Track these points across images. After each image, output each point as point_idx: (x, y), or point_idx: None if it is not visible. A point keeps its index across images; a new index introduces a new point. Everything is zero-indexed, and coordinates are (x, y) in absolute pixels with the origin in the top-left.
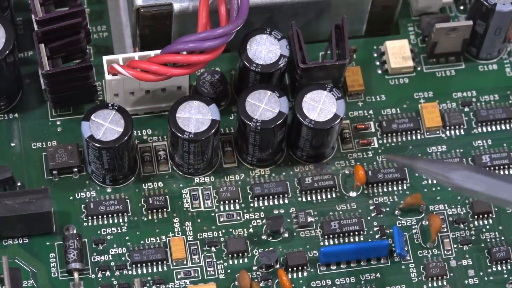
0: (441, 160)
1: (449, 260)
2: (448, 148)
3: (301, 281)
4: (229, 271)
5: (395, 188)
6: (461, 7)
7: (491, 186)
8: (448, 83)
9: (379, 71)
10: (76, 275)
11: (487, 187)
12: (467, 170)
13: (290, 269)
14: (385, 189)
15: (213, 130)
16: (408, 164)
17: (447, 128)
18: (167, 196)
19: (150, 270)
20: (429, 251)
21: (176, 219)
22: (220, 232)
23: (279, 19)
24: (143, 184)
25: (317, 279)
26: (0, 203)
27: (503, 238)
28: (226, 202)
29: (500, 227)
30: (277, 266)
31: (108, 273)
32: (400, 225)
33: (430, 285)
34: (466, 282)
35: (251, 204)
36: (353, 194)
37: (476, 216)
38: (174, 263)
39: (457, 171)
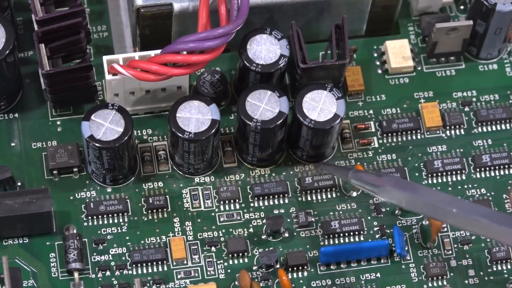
0: (369, 173)
1: (449, 260)
2: (448, 148)
3: (301, 281)
4: (229, 271)
5: None
6: (461, 7)
7: (411, 201)
8: (448, 83)
9: (379, 71)
10: (76, 275)
11: (406, 203)
12: (389, 185)
13: (290, 269)
14: None
15: (213, 130)
16: (343, 174)
17: (447, 128)
18: (167, 196)
19: (150, 270)
20: (429, 251)
21: (176, 219)
22: (220, 232)
23: (279, 19)
24: (143, 184)
25: (317, 279)
26: (0, 203)
27: None
28: (226, 202)
29: None
30: (277, 266)
31: (108, 273)
32: (400, 225)
33: (430, 285)
34: (466, 282)
35: (251, 204)
36: (353, 194)
37: None
38: (174, 263)
39: (381, 188)
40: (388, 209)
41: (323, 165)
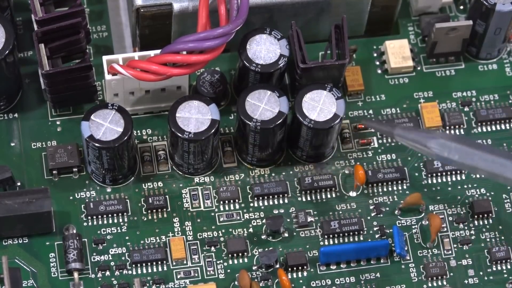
0: (417, 128)
1: (449, 260)
2: None
3: (301, 281)
4: (229, 271)
5: (395, 188)
6: (461, 7)
7: (466, 155)
8: (448, 83)
9: (379, 71)
10: (76, 275)
11: (462, 156)
12: (443, 138)
13: (290, 269)
14: (385, 189)
15: (213, 130)
16: (387, 131)
17: (447, 127)
18: (167, 196)
19: (150, 270)
20: (429, 251)
21: (176, 219)
22: (220, 232)
23: (279, 19)
24: (143, 184)
25: (317, 279)
26: (0, 203)
27: (503, 238)
28: (226, 202)
29: (500, 227)
30: (277, 266)
31: (108, 273)
32: (400, 225)
33: (430, 285)
34: (466, 282)
35: (251, 204)
36: (353, 194)
37: (476, 216)
38: (174, 263)
39: (434, 140)
40: (387, 209)
41: (370, 122)
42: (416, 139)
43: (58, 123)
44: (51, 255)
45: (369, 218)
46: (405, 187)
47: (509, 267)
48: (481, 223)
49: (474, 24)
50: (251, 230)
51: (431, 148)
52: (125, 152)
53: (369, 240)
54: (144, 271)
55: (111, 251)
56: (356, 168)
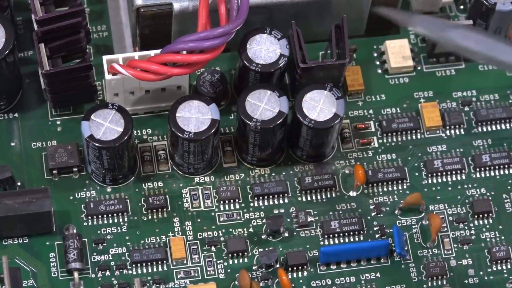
0: (436, 18)
1: (449, 260)
2: (448, 147)
3: (301, 281)
4: (229, 270)
5: (395, 188)
6: (461, 7)
7: (489, 46)
8: (448, 83)
9: (379, 71)
10: (76, 274)
11: (484, 47)
12: (465, 29)
13: (290, 269)
14: (385, 189)
15: (213, 130)
16: (404, 19)
17: (447, 127)
18: (167, 196)
19: (150, 270)
20: (429, 250)
21: (176, 219)
22: (220, 231)
23: (279, 19)
24: (143, 184)
25: (317, 279)
26: (0, 203)
27: (503, 237)
28: (226, 201)
29: (500, 227)
30: (277, 265)
31: (108, 272)
32: (400, 224)
33: (430, 284)
34: (466, 281)
35: (251, 204)
36: (353, 193)
37: (476, 216)
38: (174, 263)
39: (455, 29)
40: (388, 209)
41: (386, 10)
42: (435, 28)
43: (58, 123)
44: (51, 255)
45: (369, 218)
46: (405, 187)
47: (509, 266)
48: (481, 223)
49: (474, 23)
50: (251, 230)
51: (450, 36)
52: (125, 152)
53: (369, 240)
54: (144, 271)
55: (111, 251)
56: (356, 168)
